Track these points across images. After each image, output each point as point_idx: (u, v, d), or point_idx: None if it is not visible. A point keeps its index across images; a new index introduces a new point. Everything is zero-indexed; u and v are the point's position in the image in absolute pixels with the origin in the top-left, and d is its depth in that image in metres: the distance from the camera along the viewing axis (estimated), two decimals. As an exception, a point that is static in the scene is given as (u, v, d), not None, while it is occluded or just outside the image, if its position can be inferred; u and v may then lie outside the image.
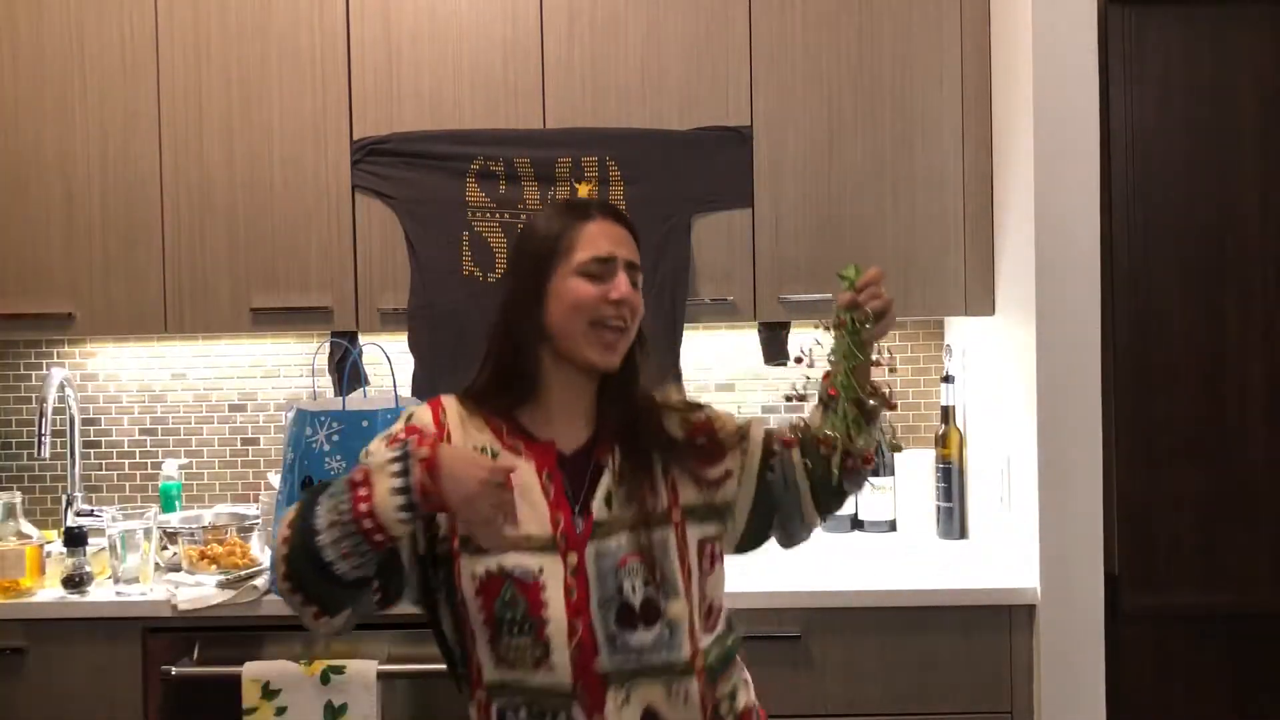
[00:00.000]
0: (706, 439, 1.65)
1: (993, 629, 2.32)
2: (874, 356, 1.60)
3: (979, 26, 2.55)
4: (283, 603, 2.30)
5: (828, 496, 1.68)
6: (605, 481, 1.56)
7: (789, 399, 1.75)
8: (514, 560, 1.49)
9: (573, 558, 1.51)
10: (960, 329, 2.81)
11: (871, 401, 1.59)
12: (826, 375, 1.61)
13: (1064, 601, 2.28)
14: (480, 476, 1.38)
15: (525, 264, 1.61)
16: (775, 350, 2.72)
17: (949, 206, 2.56)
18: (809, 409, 1.68)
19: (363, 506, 1.37)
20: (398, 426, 1.59)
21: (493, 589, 1.49)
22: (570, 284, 1.56)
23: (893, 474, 2.85)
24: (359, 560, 1.40)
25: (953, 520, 2.76)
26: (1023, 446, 2.38)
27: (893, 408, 1.63)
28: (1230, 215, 2.38)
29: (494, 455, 1.55)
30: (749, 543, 1.71)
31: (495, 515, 1.39)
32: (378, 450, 1.48)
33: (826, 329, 1.58)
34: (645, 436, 1.60)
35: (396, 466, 1.38)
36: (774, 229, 2.58)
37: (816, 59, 2.57)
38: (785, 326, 2.71)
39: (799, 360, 1.61)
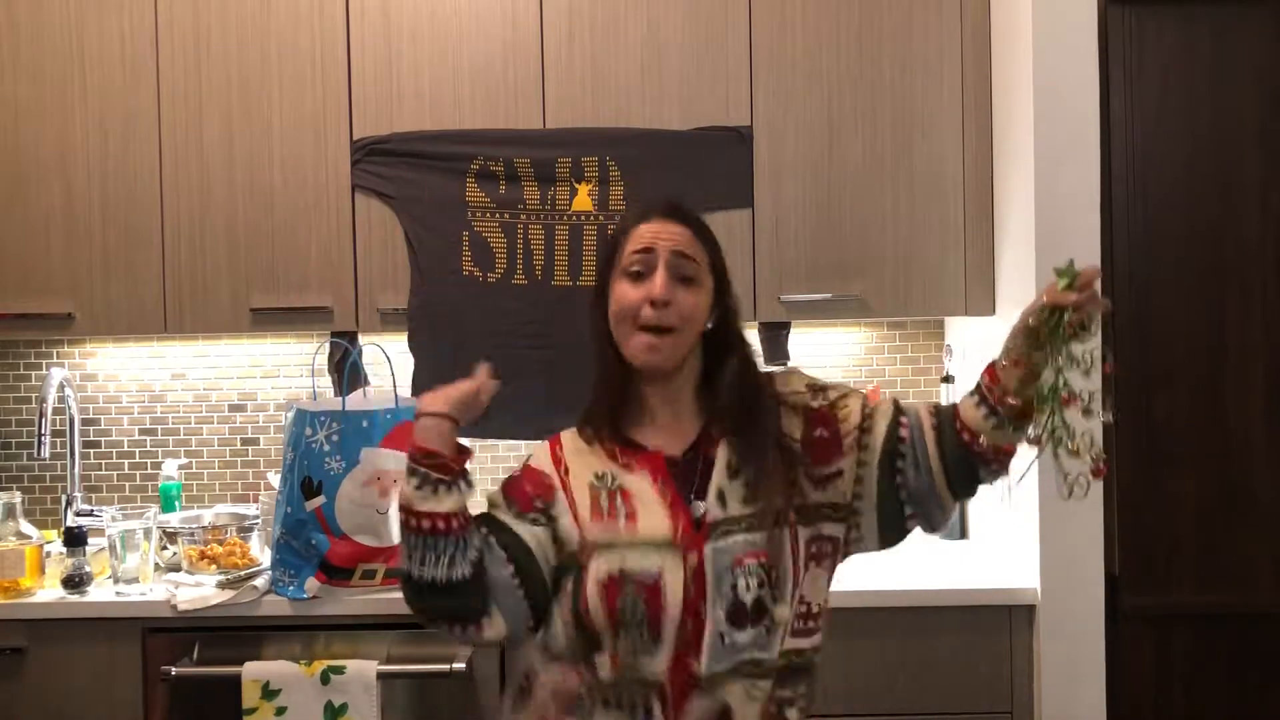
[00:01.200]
0: (825, 431, 1.59)
1: (993, 629, 2.32)
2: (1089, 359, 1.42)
3: (979, 27, 2.55)
4: (283, 603, 2.34)
5: (963, 481, 1.58)
6: (716, 478, 1.54)
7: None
8: (634, 562, 1.50)
9: (693, 558, 1.50)
10: (960, 329, 2.81)
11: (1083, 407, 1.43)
12: (991, 367, 1.51)
13: (1064, 601, 2.28)
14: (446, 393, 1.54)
15: (597, 274, 1.64)
16: (775, 350, 2.72)
17: (949, 206, 2.56)
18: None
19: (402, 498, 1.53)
20: (517, 470, 1.63)
21: (614, 589, 1.49)
22: (616, 287, 1.57)
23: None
24: (432, 556, 1.49)
25: (953, 520, 2.76)
26: (1023, 446, 2.37)
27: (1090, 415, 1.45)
28: (1230, 215, 2.38)
29: (612, 479, 1.56)
30: (890, 536, 1.62)
31: (470, 393, 1.55)
32: (493, 497, 1.62)
33: (1034, 331, 1.41)
34: (757, 432, 1.56)
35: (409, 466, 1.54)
36: (774, 229, 2.58)
37: (816, 59, 2.57)
38: (785, 326, 2.71)
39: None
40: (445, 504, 1.49)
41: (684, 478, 1.56)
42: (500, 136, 2.57)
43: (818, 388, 1.63)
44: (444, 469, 1.51)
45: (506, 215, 2.57)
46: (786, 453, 1.56)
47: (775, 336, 2.72)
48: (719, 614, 1.49)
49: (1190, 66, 2.38)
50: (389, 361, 2.48)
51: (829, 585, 1.60)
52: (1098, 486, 2.28)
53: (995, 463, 1.56)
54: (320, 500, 2.32)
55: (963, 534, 2.76)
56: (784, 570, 1.51)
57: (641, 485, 1.55)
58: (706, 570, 1.50)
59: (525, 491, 1.58)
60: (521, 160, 2.55)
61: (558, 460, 1.60)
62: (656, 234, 1.57)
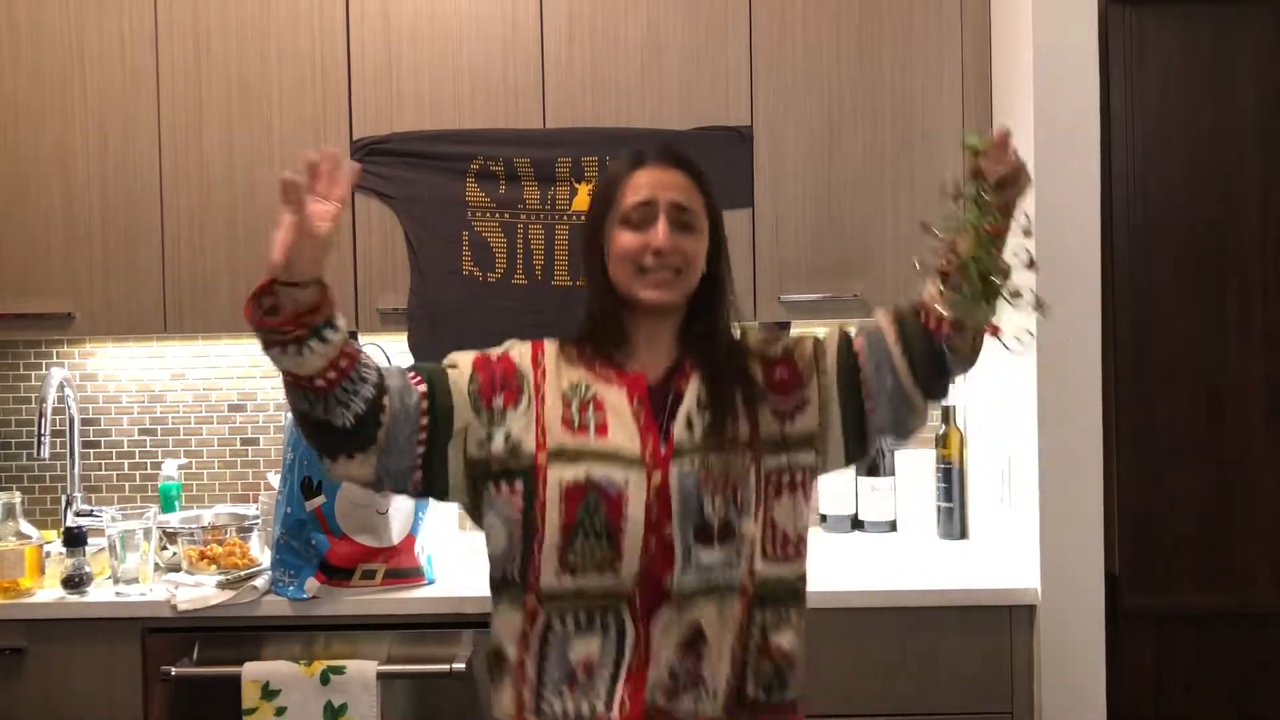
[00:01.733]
0: (785, 371, 1.67)
1: (993, 629, 2.32)
2: (1010, 223, 1.52)
3: (979, 26, 2.55)
4: (283, 603, 2.34)
5: (929, 372, 1.64)
6: (686, 407, 1.60)
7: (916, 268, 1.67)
8: (601, 471, 1.54)
9: (657, 476, 1.55)
10: (960, 329, 2.81)
11: (1003, 268, 1.52)
12: (945, 253, 1.57)
13: (1064, 601, 2.28)
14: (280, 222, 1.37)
15: (589, 218, 1.67)
16: (775, 350, 2.71)
17: (949, 206, 2.55)
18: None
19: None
20: (495, 351, 1.64)
21: (577, 495, 1.53)
22: (616, 234, 1.61)
23: (893, 474, 2.85)
24: (305, 404, 1.46)
25: (953, 520, 2.76)
26: (1023, 446, 2.38)
27: (1033, 268, 1.55)
28: (1230, 215, 2.38)
29: (586, 388, 1.60)
30: (855, 451, 1.68)
31: (296, 209, 1.35)
32: (458, 358, 1.62)
33: (954, 198, 1.51)
34: (725, 369, 1.63)
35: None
36: (774, 229, 2.58)
37: (816, 59, 2.57)
38: (785, 326, 2.71)
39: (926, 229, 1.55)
40: (308, 366, 1.43)
41: (658, 403, 1.61)
42: (500, 136, 2.57)
43: (773, 339, 1.73)
44: (285, 331, 1.42)
45: (506, 215, 2.57)
46: (751, 388, 1.63)
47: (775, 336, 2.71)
48: (687, 532, 1.54)
49: (1190, 66, 2.38)
50: (389, 362, 2.48)
51: (807, 513, 1.65)
52: (1097, 485, 2.29)
53: (962, 347, 1.59)
54: (320, 500, 2.33)
55: (963, 534, 2.76)
56: (748, 494, 1.57)
57: (618, 400, 1.59)
58: (671, 490, 1.55)
59: (490, 379, 1.60)
60: (521, 160, 2.55)
61: (536, 362, 1.63)
62: (655, 185, 1.61)
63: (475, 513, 1.64)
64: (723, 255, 1.69)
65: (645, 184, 1.61)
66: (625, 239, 1.60)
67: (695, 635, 1.54)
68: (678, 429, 1.58)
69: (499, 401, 1.59)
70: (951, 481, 2.76)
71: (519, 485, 1.57)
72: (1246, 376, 2.38)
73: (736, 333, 1.71)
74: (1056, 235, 2.27)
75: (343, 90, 2.59)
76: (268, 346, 1.43)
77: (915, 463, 2.82)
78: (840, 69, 2.57)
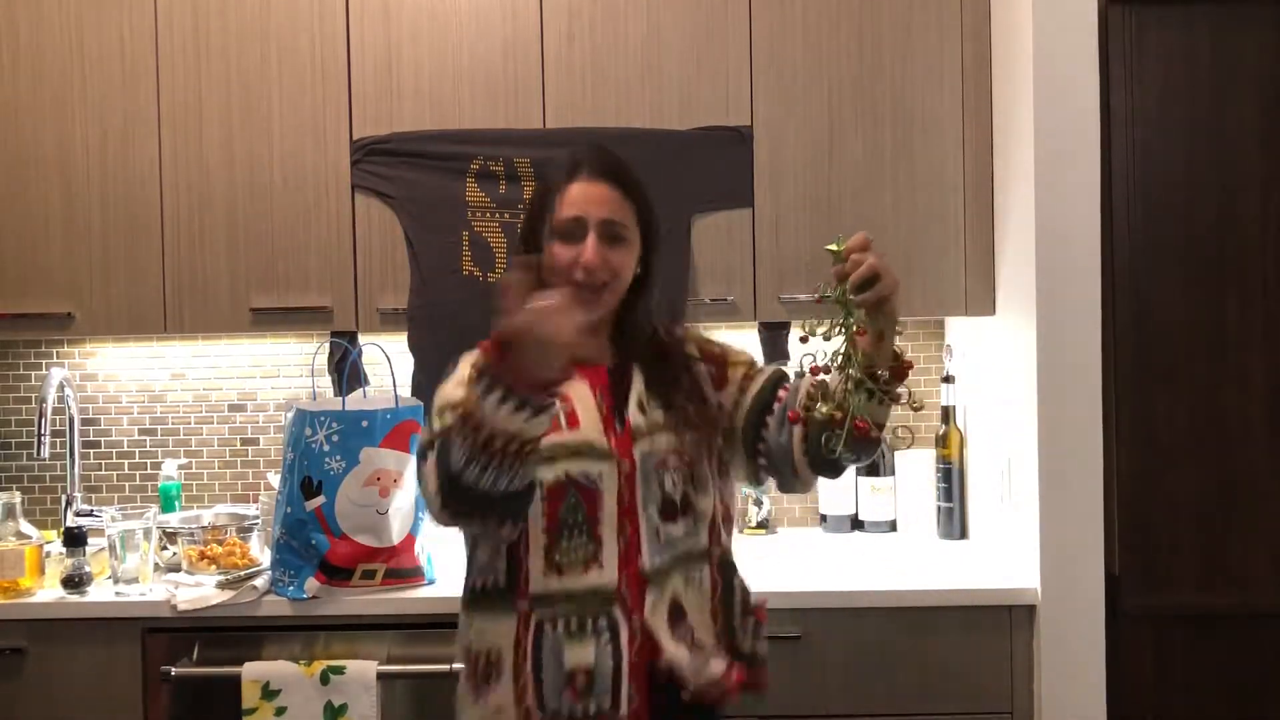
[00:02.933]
0: (714, 368, 1.78)
1: (993, 629, 2.32)
2: (889, 325, 1.53)
3: (979, 27, 2.55)
4: (283, 603, 2.34)
5: (819, 464, 1.69)
6: (635, 392, 1.69)
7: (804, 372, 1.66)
8: (578, 467, 1.61)
9: (625, 464, 1.63)
10: (960, 329, 2.81)
11: (880, 373, 1.54)
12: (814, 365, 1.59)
13: (1064, 601, 2.28)
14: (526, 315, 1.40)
15: (525, 221, 1.74)
16: (775, 350, 2.71)
17: (949, 206, 2.56)
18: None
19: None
20: (462, 371, 1.66)
21: (558, 495, 1.60)
22: (550, 246, 1.67)
23: (893, 474, 2.85)
24: (495, 473, 1.44)
25: (953, 520, 2.76)
26: (1023, 446, 2.38)
27: (907, 369, 1.57)
28: (1230, 215, 2.38)
29: None
30: (749, 477, 1.79)
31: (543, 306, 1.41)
32: (450, 392, 1.63)
33: (822, 300, 1.53)
34: (667, 356, 1.74)
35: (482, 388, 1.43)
36: (774, 229, 2.58)
37: (816, 59, 2.57)
38: (785, 326, 2.71)
39: (803, 340, 1.55)
40: (535, 428, 1.43)
41: (614, 392, 1.69)
42: (500, 136, 2.57)
43: (714, 341, 1.84)
44: (547, 395, 1.44)
45: (506, 215, 2.57)
46: (693, 372, 1.75)
47: (775, 336, 2.71)
48: (651, 511, 1.63)
49: (1190, 66, 2.38)
50: (389, 362, 2.48)
51: (736, 493, 1.82)
52: (1097, 485, 2.29)
53: (856, 442, 1.56)
54: (320, 500, 2.33)
55: (963, 534, 2.76)
56: (701, 469, 1.68)
57: (581, 391, 1.65)
58: (637, 475, 1.63)
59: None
60: (521, 160, 2.55)
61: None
62: (586, 201, 1.66)
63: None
64: (654, 254, 1.74)
65: (577, 199, 1.66)
66: (557, 251, 1.66)
67: (675, 608, 1.62)
68: (632, 413, 1.67)
69: None
70: (951, 481, 2.76)
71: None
72: (1246, 376, 2.38)
73: (677, 330, 1.80)
74: (1057, 235, 2.28)
75: (343, 90, 2.58)
76: (512, 405, 1.41)
77: (915, 463, 2.82)
78: (840, 69, 2.57)
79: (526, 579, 1.60)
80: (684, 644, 1.62)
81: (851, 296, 1.50)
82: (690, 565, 1.66)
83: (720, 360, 1.79)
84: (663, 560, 1.63)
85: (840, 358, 1.54)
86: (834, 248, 1.54)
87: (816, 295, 1.55)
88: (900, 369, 1.56)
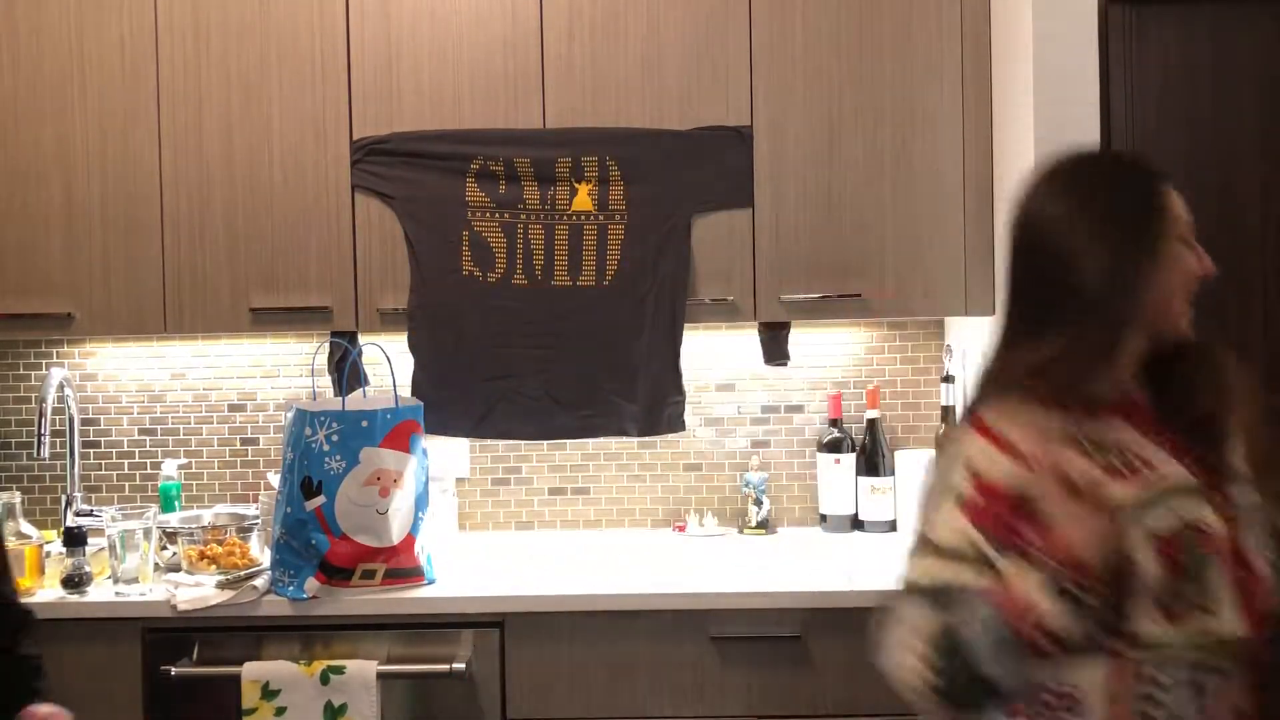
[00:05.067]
0: None
1: (993, 629, 2.31)
2: None
3: (979, 26, 2.55)
4: (283, 603, 2.34)
5: None
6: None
7: None
8: (1188, 511, 1.40)
9: (1216, 497, 1.43)
10: (960, 329, 2.81)
11: None
12: None
13: (1064, 601, 2.28)
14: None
15: (1139, 217, 1.47)
16: (775, 350, 2.72)
17: (949, 206, 2.56)
18: None
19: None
20: (967, 489, 1.43)
21: (1177, 542, 1.38)
22: (1181, 254, 1.48)
23: (893, 474, 2.85)
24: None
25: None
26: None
27: None
28: (1230, 215, 2.38)
29: (1094, 433, 1.43)
30: None
31: None
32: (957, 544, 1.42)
33: None
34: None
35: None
36: (774, 229, 2.58)
37: (816, 58, 2.57)
38: (785, 326, 2.71)
39: None
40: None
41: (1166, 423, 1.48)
42: (500, 136, 2.57)
43: None
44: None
45: (506, 215, 2.57)
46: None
47: (775, 336, 2.71)
48: (1261, 546, 1.41)
49: (1190, 66, 2.38)
50: (389, 361, 2.48)
51: None
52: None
53: None
54: (320, 500, 2.33)
55: (963, 534, 2.75)
56: None
57: (1128, 435, 1.44)
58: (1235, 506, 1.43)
59: (1003, 526, 1.40)
60: (521, 160, 2.55)
61: (1018, 454, 1.41)
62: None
63: None
64: None
65: (1179, 204, 1.47)
66: (1190, 260, 1.45)
67: None
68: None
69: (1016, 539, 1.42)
70: (951, 481, 2.75)
71: None
72: (1246, 376, 2.38)
73: None
74: (1056, 235, 2.27)
75: (343, 90, 2.59)
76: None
77: (915, 463, 2.82)
78: (840, 69, 2.57)
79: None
80: None
81: None
82: None
83: None
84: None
85: None
86: None
87: None
88: None
